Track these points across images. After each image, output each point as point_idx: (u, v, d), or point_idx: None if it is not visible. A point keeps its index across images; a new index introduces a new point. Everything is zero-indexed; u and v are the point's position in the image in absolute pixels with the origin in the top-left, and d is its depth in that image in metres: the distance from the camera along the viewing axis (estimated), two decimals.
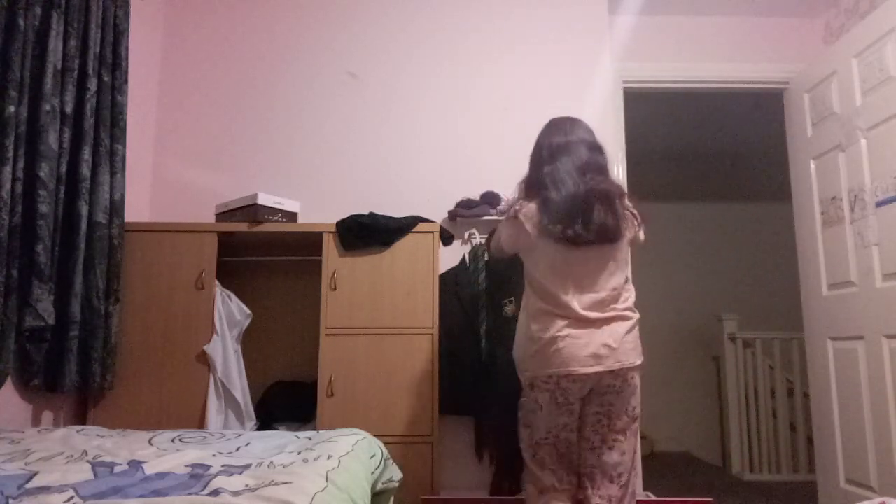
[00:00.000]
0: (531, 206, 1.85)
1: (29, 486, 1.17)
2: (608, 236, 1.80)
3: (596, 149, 1.92)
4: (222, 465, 1.36)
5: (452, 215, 2.80)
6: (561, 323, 1.80)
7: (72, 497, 1.11)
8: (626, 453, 1.86)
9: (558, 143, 1.92)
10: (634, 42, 3.24)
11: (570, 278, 1.82)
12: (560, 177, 1.83)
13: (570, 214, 1.79)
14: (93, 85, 2.29)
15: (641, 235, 1.98)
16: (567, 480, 1.87)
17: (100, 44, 2.34)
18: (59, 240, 2.16)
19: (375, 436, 1.80)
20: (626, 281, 1.90)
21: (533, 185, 1.91)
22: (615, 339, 1.79)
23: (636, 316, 1.88)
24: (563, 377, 1.79)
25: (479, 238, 2.76)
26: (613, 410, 1.84)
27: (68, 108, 2.19)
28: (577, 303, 1.80)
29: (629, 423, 1.86)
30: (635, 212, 1.94)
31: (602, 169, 1.90)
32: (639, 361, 1.83)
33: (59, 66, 2.13)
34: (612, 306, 1.83)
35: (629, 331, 1.83)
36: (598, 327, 1.79)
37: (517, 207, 1.90)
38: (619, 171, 3.03)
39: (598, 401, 1.84)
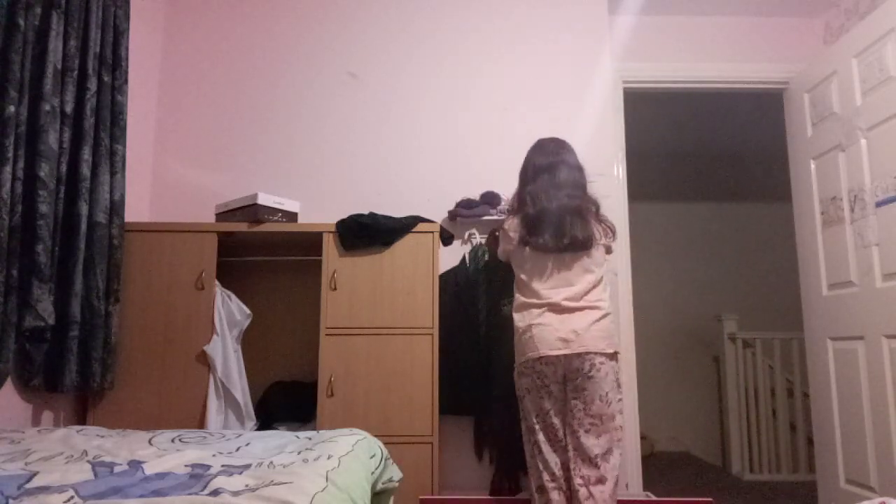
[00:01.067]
0: (514, 220, 2.17)
1: (29, 486, 1.17)
2: (578, 245, 2.05)
3: (575, 168, 2.19)
4: (222, 465, 1.36)
5: (452, 215, 2.80)
6: (537, 311, 2.05)
7: (72, 497, 1.11)
8: (601, 437, 1.99)
9: (541, 163, 2.19)
10: (634, 42, 3.23)
11: (548, 275, 2.08)
12: (538, 195, 2.12)
13: (545, 227, 2.06)
14: (93, 85, 2.29)
15: (612, 247, 2.23)
16: (560, 474, 2.02)
17: (100, 44, 2.34)
18: (59, 240, 2.16)
19: (375, 436, 1.80)
20: (601, 280, 2.11)
21: (519, 201, 2.21)
22: (583, 327, 2.00)
23: (607, 309, 2.06)
24: (537, 360, 2.01)
25: (479, 238, 2.76)
26: (587, 395, 2.00)
27: (68, 108, 2.19)
28: (553, 293, 2.04)
29: (603, 407, 2.00)
30: (609, 225, 2.19)
31: (579, 187, 2.16)
32: (608, 350, 2.01)
33: (59, 66, 2.13)
34: (585, 297, 2.04)
35: (598, 320, 2.02)
36: (571, 313, 2.00)
37: (505, 219, 2.25)
38: (618, 171, 3.03)
39: (573, 386, 2.02)
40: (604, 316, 2.04)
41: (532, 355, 2.01)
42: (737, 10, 3.24)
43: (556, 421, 2.04)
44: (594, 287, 2.07)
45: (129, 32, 2.51)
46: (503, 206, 2.73)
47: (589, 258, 2.08)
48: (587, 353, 1.97)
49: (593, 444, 1.98)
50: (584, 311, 2.02)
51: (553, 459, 2.03)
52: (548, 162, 2.17)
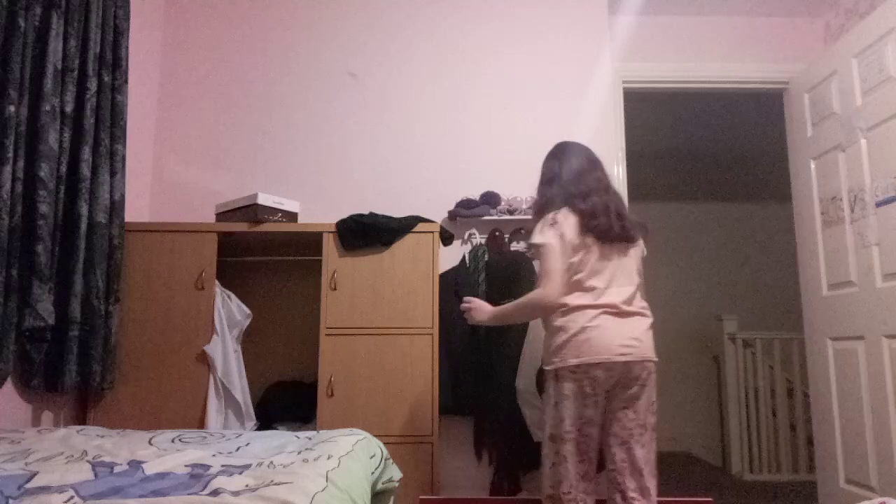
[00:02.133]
0: (564, 211, 1.99)
1: (29, 486, 1.17)
2: (629, 236, 2.01)
3: (601, 169, 2.14)
4: (222, 465, 1.36)
5: (452, 215, 2.80)
6: (592, 313, 1.91)
7: (72, 497, 1.11)
8: (646, 446, 1.93)
9: (576, 164, 2.11)
10: (634, 42, 3.24)
11: (605, 273, 1.96)
12: (583, 189, 2.02)
13: (602, 214, 1.97)
14: (93, 85, 2.29)
15: (644, 248, 2.19)
16: (580, 486, 1.89)
17: (100, 44, 2.34)
18: (59, 240, 2.16)
19: (375, 436, 1.80)
20: (640, 285, 2.06)
21: (552, 201, 2.06)
22: (642, 332, 1.94)
23: (651, 316, 2.02)
24: (594, 366, 1.86)
25: (479, 238, 2.76)
26: (640, 404, 1.92)
27: (68, 108, 2.19)
28: (609, 294, 1.94)
29: (650, 416, 1.94)
30: (643, 222, 2.12)
31: (611, 187, 2.11)
32: (655, 358, 1.97)
33: (59, 66, 2.13)
34: (635, 303, 1.99)
35: (649, 328, 1.98)
36: (627, 318, 1.93)
37: (554, 215, 2.00)
38: (618, 171, 3.03)
39: (623, 395, 1.91)
40: (651, 324, 2.01)
41: (590, 359, 1.86)
42: (737, 10, 3.24)
43: (595, 431, 1.91)
44: (638, 292, 2.02)
45: (129, 32, 2.51)
46: (503, 206, 2.74)
47: (634, 258, 2.05)
48: (646, 361, 1.92)
49: (644, 454, 1.91)
50: (636, 318, 1.96)
51: (578, 470, 1.90)
52: (580, 162, 2.12)
